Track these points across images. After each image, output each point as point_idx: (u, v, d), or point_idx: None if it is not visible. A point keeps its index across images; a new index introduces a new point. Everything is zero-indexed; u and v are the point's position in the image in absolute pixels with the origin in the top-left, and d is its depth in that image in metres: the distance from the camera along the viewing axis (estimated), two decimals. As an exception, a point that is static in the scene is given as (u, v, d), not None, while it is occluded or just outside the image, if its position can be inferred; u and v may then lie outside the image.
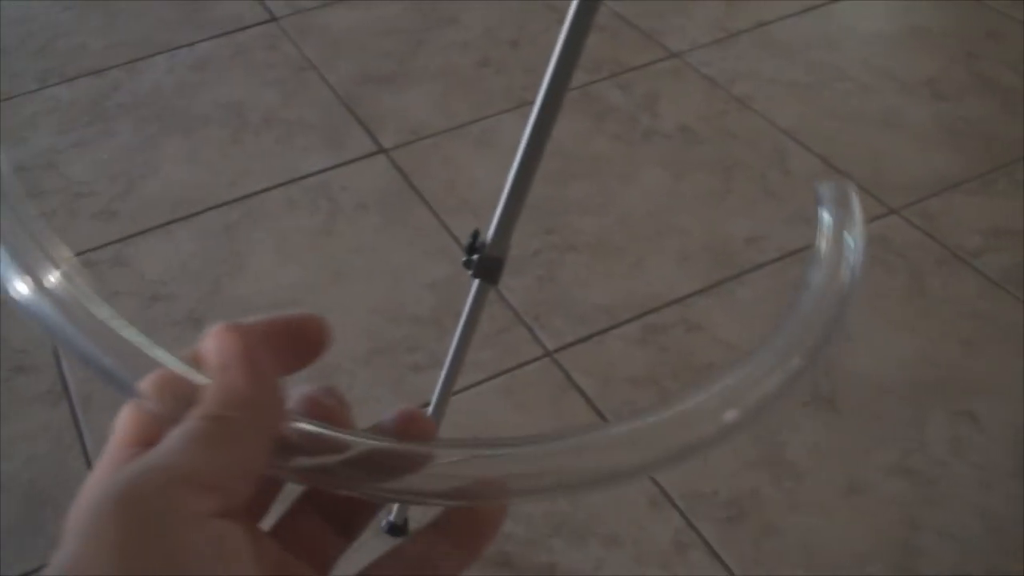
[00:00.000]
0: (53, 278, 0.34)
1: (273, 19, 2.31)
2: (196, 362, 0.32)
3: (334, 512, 0.35)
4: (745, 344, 1.51)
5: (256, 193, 1.84)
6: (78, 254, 1.74)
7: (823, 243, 0.40)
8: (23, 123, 2.05)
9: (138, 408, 0.32)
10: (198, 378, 0.32)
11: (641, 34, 2.17)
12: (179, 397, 0.31)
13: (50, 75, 2.18)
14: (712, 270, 1.64)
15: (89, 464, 1.43)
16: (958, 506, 1.31)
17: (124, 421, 0.32)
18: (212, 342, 0.32)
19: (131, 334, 0.33)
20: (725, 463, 1.37)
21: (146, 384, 0.32)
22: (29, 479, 1.42)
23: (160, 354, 0.33)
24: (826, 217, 0.41)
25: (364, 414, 1.23)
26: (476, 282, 1.08)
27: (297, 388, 0.34)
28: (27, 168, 1.93)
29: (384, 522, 1.29)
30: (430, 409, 1.25)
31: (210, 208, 1.82)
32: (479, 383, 1.49)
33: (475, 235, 1.06)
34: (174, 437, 0.29)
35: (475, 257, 1.05)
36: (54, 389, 1.53)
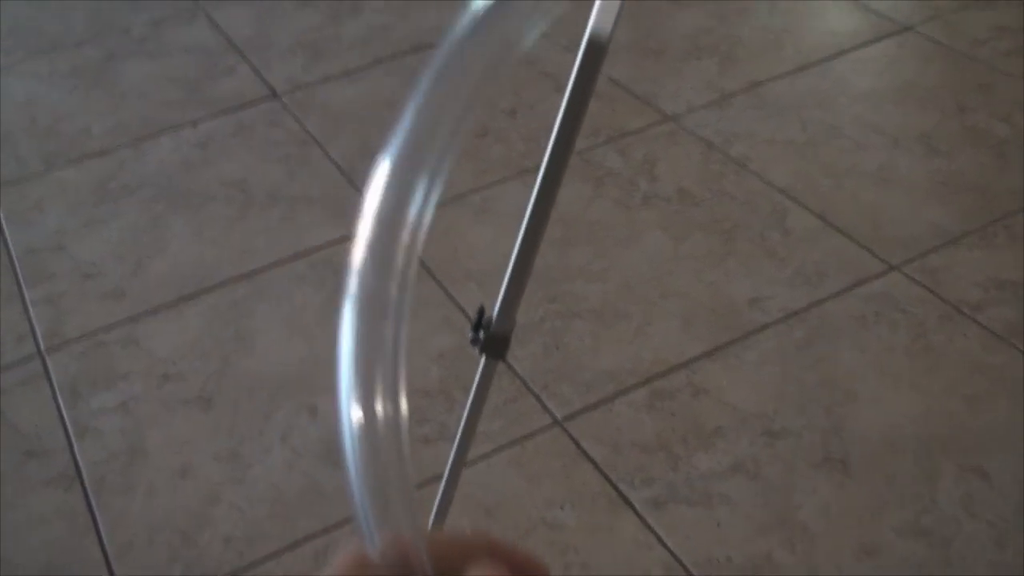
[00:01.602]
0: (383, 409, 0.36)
1: (275, 95, 2.35)
2: (446, 548, 0.35)
3: None
4: (752, 407, 1.52)
5: (262, 269, 1.86)
6: (88, 335, 1.76)
7: None
8: (31, 206, 2.08)
9: (363, 550, 0.35)
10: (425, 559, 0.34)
11: (637, 99, 2.20)
12: (403, 565, 0.34)
13: (56, 158, 2.22)
14: (716, 333, 1.65)
15: (103, 547, 1.43)
16: (973, 565, 1.30)
17: (346, 556, 0.35)
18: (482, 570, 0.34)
19: (408, 490, 0.36)
20: (738, 528, 1.37)
21: (384, 539, 0.34)
22: (46, 562, 1.43)
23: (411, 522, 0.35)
24: None
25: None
26: (483, 358, 1.09)
27: None
28: (36, 251, 1.96)
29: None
30: (442, 484, 1.26)
31: (217, 286, 1.84)
32: (489, 454, 1.50)
33: (481, 312, 1.07)
34: None
35: (481, 334, 1.06)
36: (67, 473, 1.53)
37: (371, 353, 0.35)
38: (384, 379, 0.35)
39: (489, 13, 0.39)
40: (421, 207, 0.36)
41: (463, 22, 0.40)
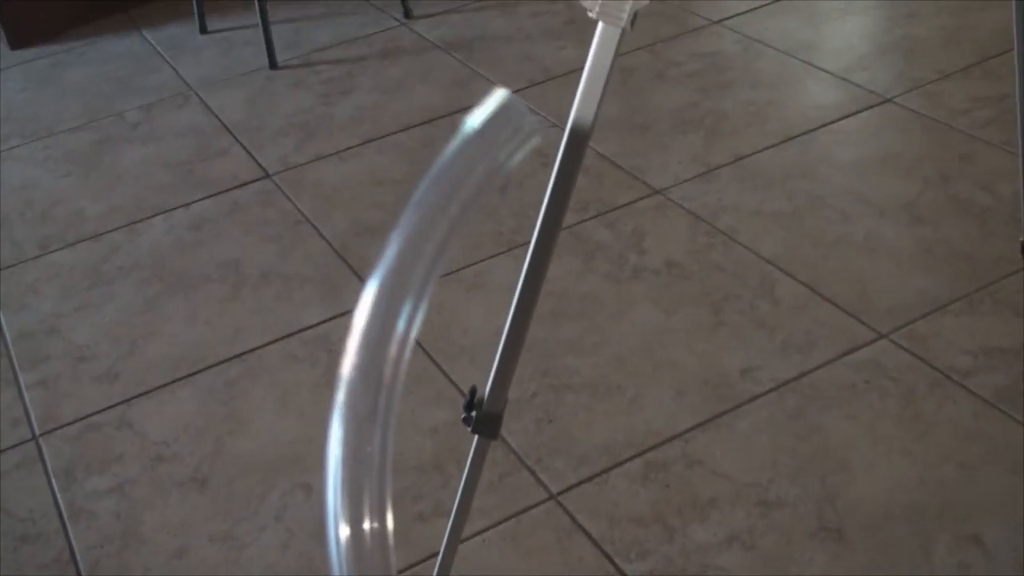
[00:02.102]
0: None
1: (267, 175, 2.38)
2: None
3: None
4: (747, 477, 1.52)
5: (256, 349, 1.87)
6: (82, 418, 1.76)
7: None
8: (25, 290, 2.09)
9: None
10: None
11: (624, 173, 2.23)
12: None
13: (51, 241, 2.24)
14: (709, 404, 1.66)
15: (96, 634, 1.42)
16: (971, 634, 1.30)
17: None
18: None
19: None
20: (735, 601, 1.36)
21: None
22: (36, 653, 1.41)
23: None
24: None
25: None
26: (476, 438, 1.10)
27: None
28: (30, 334, 1.97)
29: None
30: (438, 561, 1.26)
31: (211, 366, 1.85)
32: (484, 530, 1.49)
33: (472, 392, 1.08)
34: None
35: (473, 414, 1.07)
36: (61, 558, 1.53)
37: (358, 471, 0.36)
38: (371, 497, 0.36)
39: (474, 141, 0.42)
40: (407, 326, 0.38)
41: (451, 149, 0.43)
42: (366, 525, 0.37)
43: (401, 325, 0.39)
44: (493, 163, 0.44)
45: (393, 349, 0.40)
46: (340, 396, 0.41)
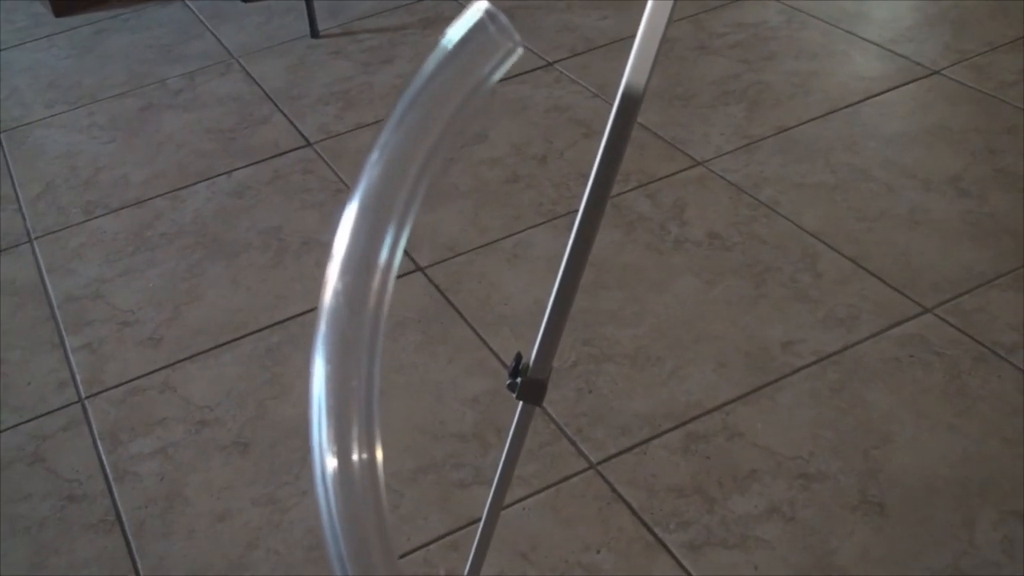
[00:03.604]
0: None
1: (308, 144, 2.39)
2: None
3: None
4: (787, 449, 1.52)
5: (297, 316, 1.89)
6: (126, 382, 1.79)
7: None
8: (70, 255, 2.12)
9: None
10: None
11: (666, 144, 2.22)
12: None
13: (95, 207, 2.26)
14: (750, 376, 1.65)
15: (142, 593, 1.44)
16: (1014, 609, 1.29)
17: None
18: None
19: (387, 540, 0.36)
20: (775, 571, 1.36)
21: None
22: (83, 611, 1.44)
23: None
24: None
25: (412, 532, 1.26)
26: (520, 404, 1.10)
27: None
28: (75, 298, 1.99)
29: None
30: (479, 528, 1.26)
31: (253, 332, 1.86)
32: (525, 498, 1.50)
33: (518, 358, 1.08)
34: None
35: (519, 380, 1.07)
36: (107, 517, 1.55)
37: (345, 401, 0.35)
38: (359, 427, 0.36)
39: (454, 57, 0.41)
40: (390, 251, 0.38)
41: (429, 66, 0.42)
42: (355, 456, 0.36)
43: (384, 253, 0.39)
44: (475, 79, 0.43)
45: (376, 279, 0.39)
46: (322, 328, 0.40)
